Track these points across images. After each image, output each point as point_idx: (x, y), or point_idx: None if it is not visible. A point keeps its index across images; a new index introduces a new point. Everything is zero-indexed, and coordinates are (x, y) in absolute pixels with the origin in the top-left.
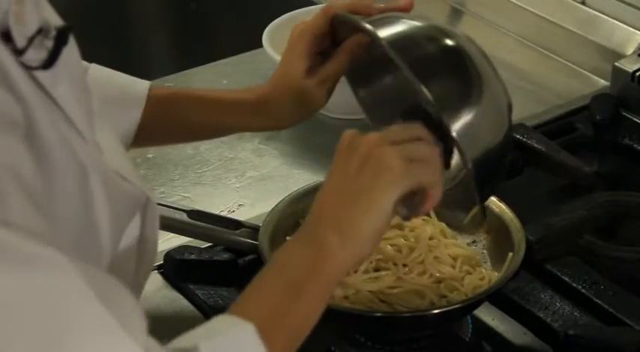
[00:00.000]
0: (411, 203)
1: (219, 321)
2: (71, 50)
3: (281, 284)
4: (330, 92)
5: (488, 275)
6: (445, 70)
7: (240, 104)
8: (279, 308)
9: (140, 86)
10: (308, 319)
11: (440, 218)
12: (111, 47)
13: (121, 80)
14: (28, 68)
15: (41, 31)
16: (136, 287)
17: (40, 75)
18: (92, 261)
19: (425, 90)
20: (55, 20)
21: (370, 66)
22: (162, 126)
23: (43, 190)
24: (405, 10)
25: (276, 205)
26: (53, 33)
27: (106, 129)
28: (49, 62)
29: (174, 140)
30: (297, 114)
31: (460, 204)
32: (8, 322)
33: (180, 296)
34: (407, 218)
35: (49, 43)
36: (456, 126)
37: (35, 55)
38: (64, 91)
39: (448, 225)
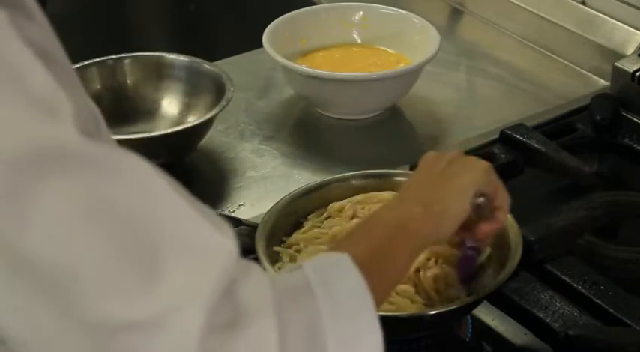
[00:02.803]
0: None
1: (318, 255)
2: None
3: (370, 237)
4: None
5: None
6: None
7: None
8: (370, 254)
9: None
10: (396, 271)
11: None
12: (110, 47)
13: None
14: None
15: None
16: None
17: None
18: None
19: None
20: None
21: None
22: None
23: None
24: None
25: (275, 204)
26: None
27: None
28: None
29: None
30: None
31: None
32: (104, 219)
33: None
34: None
35: None
36: None
37: None
38: None
39: None
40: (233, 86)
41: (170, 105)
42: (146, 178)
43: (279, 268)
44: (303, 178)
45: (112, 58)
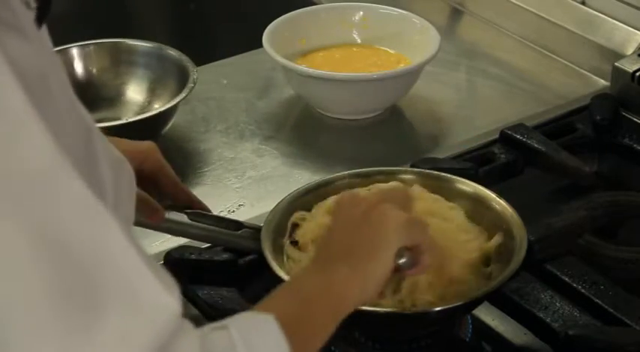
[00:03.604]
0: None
1: (243, 313)
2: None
3: (295, 299)
4: None
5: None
6: None
7: None
8: (294, 317)
9: None
10: (319, 335)
11: None
12: None
13: None
14: None
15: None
16: None
17: None
18: None
19: None
20: None
21: None
22: None
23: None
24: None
25: (278, 204)
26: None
27: None
28: (39, 22)
29: None
30: None
31: None
32: (48, 262)
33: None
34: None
35: (33, 7)
36: None
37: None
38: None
39: None
40: (196, 68)
41: (134, 91)
42: (102, 226)
43: (288, 265)
44: (303, 178)
45: (76, 46)
